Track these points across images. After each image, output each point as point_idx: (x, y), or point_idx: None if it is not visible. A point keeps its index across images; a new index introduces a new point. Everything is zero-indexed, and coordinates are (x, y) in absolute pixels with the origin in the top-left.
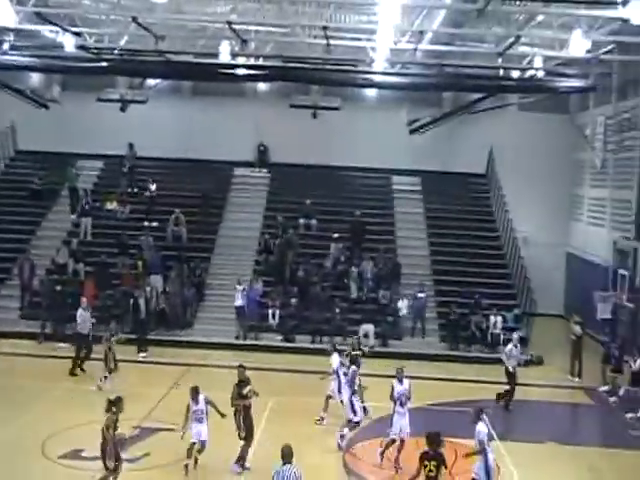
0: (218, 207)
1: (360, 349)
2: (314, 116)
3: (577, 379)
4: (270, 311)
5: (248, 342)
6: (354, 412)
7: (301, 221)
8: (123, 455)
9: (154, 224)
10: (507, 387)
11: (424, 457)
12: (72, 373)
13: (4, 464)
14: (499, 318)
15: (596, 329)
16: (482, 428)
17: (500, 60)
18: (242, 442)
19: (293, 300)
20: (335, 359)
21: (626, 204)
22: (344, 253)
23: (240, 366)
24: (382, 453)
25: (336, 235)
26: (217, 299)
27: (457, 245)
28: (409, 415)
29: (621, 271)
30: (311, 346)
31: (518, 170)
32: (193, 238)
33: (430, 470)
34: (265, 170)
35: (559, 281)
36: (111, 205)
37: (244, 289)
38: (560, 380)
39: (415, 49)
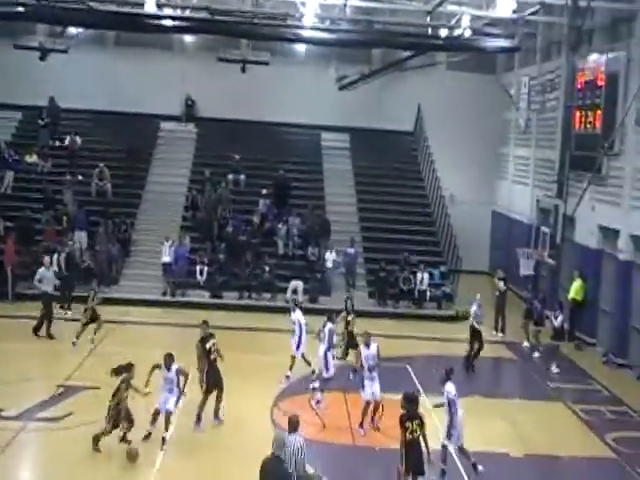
0: (144, 162)
1: (354, 311)
2: (243, 70)
3: (500, 334)
4: (198, 268)
5: (175, 299)
6: (327, 368)
7: (229, 177)
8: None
9: (80, 178)
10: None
11: (404, 418)
12: (36, 333)
13: None
14: (426, 275)
15: (519, 285)
16: (450, 388)
17: (428, 18)
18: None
19: (221, 256)
20: (299, 315)
21: (549, 163)
22: (272, 209)
23: (204, 322)
24: (361, 424)
25: (265, 191)
26: (143, 256)
27: (385, 202)
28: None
29: (543, 228)
30: (239, 302)
31: (446, 128)
32: (118, 193)
33: (414, 430)
34: (192, 125)
35: (484, 238)
36: (31, 158)
37: (171, 246)
38: (484, 335)
39: (344, 5)
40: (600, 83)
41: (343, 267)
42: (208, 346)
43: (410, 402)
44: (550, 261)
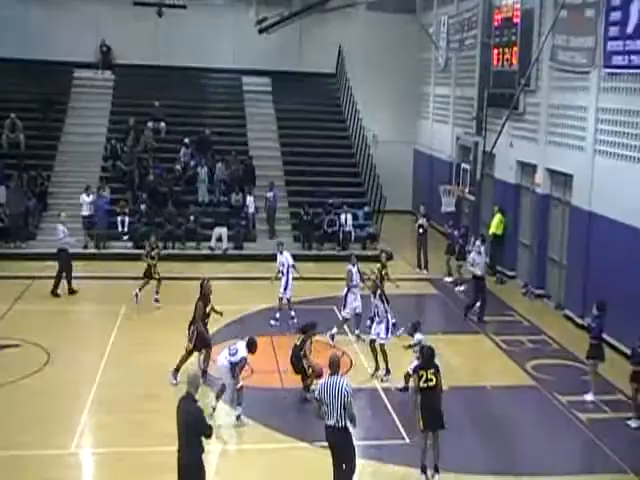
0: (59, 111)
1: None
2: (159, 15)
3: (424, 271)
4: (119, 219)
5: (97, 251)
6: (344, 307)
7: (149, 124)
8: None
9: None
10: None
11: (417, 368)
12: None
13: None
14: (350, 216)
15: (441, 222)
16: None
17: None
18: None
19: (142, 206)
20: (287, 256)
21: (468, 101)
22: (195, 157)
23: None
24: (333, 336)
25: (186, 140)
26: (62, 209)
27: (308, 145)
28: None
29: (464, 165)
30: (163, 252)
31: (367, 69)
32: (33, 145)
33: (429, 379)
34: (109, 72)
35: (407, 177)
36: None
37: (91, 198)
38: (408, 273)
39: None
40: (516, 20)
41: (264, 212)
42: (208, 309)
43: (425, 356)
44: (470, 197)
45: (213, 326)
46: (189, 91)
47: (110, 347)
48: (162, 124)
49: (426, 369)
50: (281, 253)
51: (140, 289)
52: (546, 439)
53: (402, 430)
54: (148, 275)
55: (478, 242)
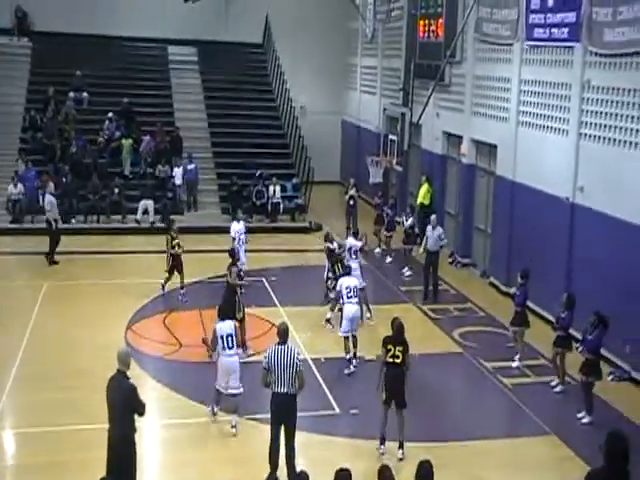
0: None
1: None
2: None
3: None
4: (40, 192)
5: (19, 226)
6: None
7: (71, 94)
8: None
9: None
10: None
11: (387, 340)
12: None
13: None
14: (278, 187)
15: (369, 193)
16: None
17: None
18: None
19: (65, 179)
20: (236, 225)
21: (395, 72)
22: (120, 129)
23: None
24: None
25: (110, 115)
26: None
27: (236, 116)
28: None
29: (391, 136)
30: (86, 226)
31: (294, 40)
32: None
33: (395, 355)
34: (26, 39)
35: (335, 149)
36: None
37: (20, 178)
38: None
39: None
40: None
41: (184, 184)
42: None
43: (395, 328)
44: (398, 168)
45: (139, 301)
46: (113, 60)
47: (32, 323)
48: (84, 94)
49: (394, 344)
50: (238, 221)
51: (166, 281)
52: (472, 405)
53: (333, 401)
54: (178, 269)
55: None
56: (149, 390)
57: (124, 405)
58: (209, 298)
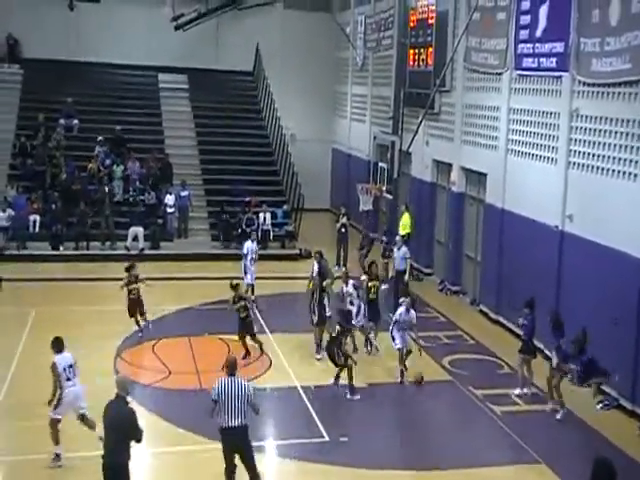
0: None
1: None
2: (71, 8)
3: (343, 268)
4: (31, 218)
5: (10, 252)
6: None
7: (62, 121)
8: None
9: None
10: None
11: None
12: None
13: None
14: (268, 215)
15: (360, 220)
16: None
17: None
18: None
19: (54, 206)
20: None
21: (385, 100)
22: (109, 155)
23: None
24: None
25: (100, 138)
26: None
27: (226, 144)
28: None
29: (381, 164)
30: (77, 253)
31: (285, 68)
32: None
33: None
34: (17, 66)
35: (325, 176)
36: None
37: (10, 204)
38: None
39: None
40: (431, 22)
41: (176, 211)
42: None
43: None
44: (388, 196)
45: (128, 328)
46: (103, 88)
47: (20, 351)
48: (75, 121)
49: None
50: (252, 241)
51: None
52: (462, 433)
53: (322, 428)
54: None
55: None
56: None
57: (121, 430)
58: (198, 325)
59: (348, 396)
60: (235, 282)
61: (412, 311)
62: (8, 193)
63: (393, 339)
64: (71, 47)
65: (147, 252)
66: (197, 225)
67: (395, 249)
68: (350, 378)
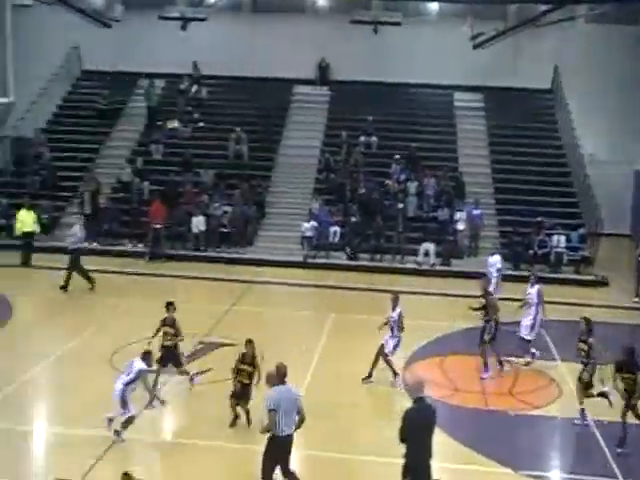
0: (278, 125)
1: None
2: (375, 32)
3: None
4: (331, 229)
5: (309, 261)
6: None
7: (362, 139)
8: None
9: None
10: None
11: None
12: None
13: (73, 371)
14: (562, 237)
15: None
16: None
17: None
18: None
19: (353, 219)
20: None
21: None
22: (405, 172)
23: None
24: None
25: (397, 156)
26: (278, 217)
27: (520, 163)
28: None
29: None
30: (370, 264)
31: (585, 84)
32: (254, 156)
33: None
34: (326, 87)
35: (627, 200)
36: (172, 124)
37: (314, 215)
38: (625, 301)
39: None
40: None
41: (467, 230)
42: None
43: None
44: None
45: (417, 342)
46: (401, 106)
47: (319, 353)
48: (373, 138)
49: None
50: (532, 285)
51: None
52: None
53: (616, 469)
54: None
55: None
56: None
57: (431, 430)
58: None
59: None
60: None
61: None
62: (312, 206)
63: None
64: (374, 68)
65: (438, 268)
66: (488, 244)
67: None
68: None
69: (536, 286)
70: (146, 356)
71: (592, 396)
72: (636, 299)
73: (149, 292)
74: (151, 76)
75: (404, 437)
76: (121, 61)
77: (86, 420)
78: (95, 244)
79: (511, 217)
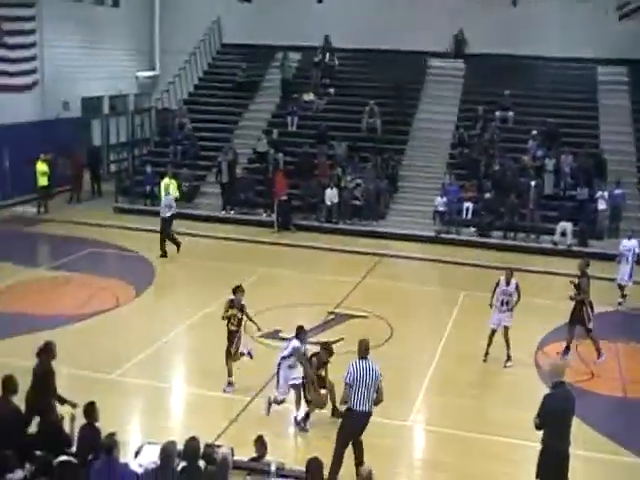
0: (412, 98)
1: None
2: (514, 4)
3: None
4: (464, 205)
5: (440, 236)
6: None
7: (497, 114)
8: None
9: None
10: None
11: None
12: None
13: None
14: None
15: None
16: None
17: None
18: None
19: (487, 195)
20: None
21: None
22: (542, 149)
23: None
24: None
25: (534, 132)
26: (410, 192)
27: None
28: None
29: None
30: (503, 242)
31: None
32: (387, 130)
33: None
34: (461, 61)
35: None
36: (308, 97)
37: (447, 191)
38: None
39: None
40: None
41: (608, 210)
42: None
43: None
44: None
45: (549, 323)
46: (539, 81)
47: (448, 330)
48: (510, 113)
49: None
50: (629, 239)
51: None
52: None
53: None
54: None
55: None
56: None
57: (570, 417)
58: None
59: None
60: None
61: None
62: (446, 180)
63: None
64: (511, 41)
65: (574, 248)
66: (632, 226)
67: None
68: None
69: None
70: (300, 332)
71: None
72: None
73: (283, 262)
74: (287, 49)
75: (542, 423)
76: (259, 34)
77: (221, 384)
78: (232, 212)
79: None
